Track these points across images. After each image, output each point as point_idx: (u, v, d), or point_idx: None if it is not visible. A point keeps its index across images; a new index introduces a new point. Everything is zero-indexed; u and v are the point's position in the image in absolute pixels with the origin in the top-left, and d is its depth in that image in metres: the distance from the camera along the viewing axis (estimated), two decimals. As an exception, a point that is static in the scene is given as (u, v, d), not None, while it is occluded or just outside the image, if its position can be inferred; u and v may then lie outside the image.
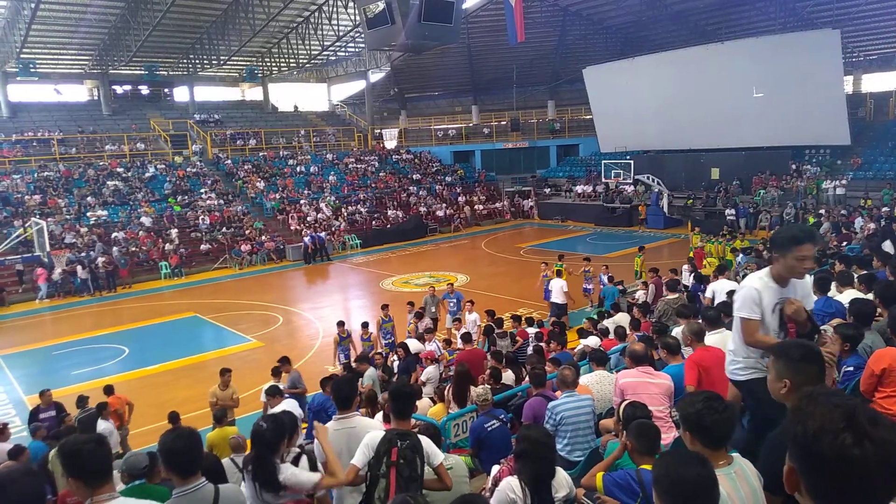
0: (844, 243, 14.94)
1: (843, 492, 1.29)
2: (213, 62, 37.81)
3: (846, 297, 6.10)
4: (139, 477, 4.41)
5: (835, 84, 26.34)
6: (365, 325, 12.90)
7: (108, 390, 9.58)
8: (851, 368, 4.50)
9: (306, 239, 26.73)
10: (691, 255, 18.08)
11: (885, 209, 21.40)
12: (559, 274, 15.19)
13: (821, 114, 26.57)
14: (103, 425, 8.77)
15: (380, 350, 12.30)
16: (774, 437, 2.76)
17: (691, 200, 30.11)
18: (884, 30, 31.07)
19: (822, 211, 23.41)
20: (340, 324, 12.78)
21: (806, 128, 27.34)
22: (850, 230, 17.19)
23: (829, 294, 6.67)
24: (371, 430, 4.08)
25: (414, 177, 37.62)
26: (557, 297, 14.42)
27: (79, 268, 22.30)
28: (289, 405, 7.39)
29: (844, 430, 1.28)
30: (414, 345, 11.37)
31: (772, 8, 30.94)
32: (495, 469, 3.93)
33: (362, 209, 32.25)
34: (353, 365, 10.39)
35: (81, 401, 9.18)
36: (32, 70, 32.09)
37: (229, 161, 34.09)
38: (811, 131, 27.55)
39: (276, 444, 3.60)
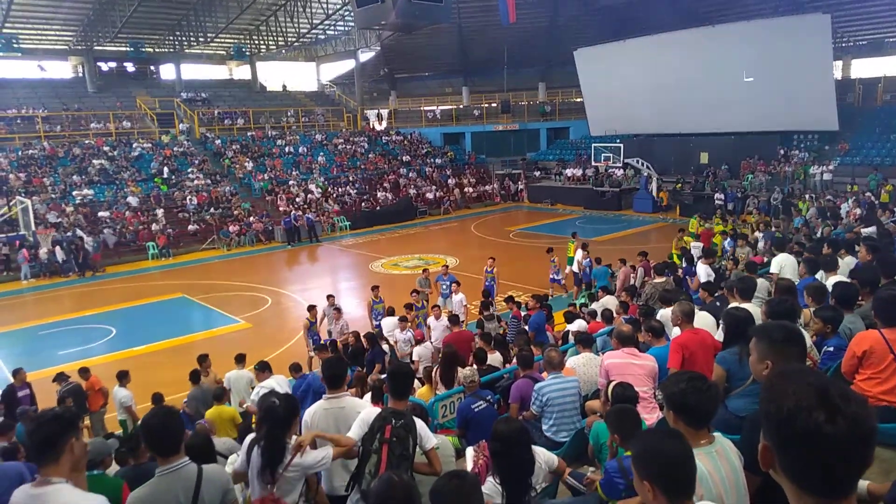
0: (820, 232, 15.06)
1: (816, 468, 1.31)
2: (201, 39, 37.27)
3: (832, 282, 6.20)
4: (97, 467, 4.23)
5: (824, 69, 26.38)
6: (311, 308, 12.49)
7: (84, 373, 9.54)
8: (832, 349, 4.59)
9: (286, 219, 26.65)
10: (687, 239, 17.96)
11: (867, 194, 21.57)
12: (584, 247, 16.32)
13: (810, 99, 26.63)
14: (123, 393, 9.09)
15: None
16: (754, 417, 2.81)
17: (680, 185, 30.21)
18: (874, 15, 31.09)
19: (807, 196, 23.59)
20: (311, 308, 12.51)
21: (795, 113, 27.42)
22: (827, 221, 17.31)
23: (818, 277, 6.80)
24: (360, 409, 4.13)
25: (404, 158, 37.45)
26: (577, 268, 15.98)
27: (57, 248, 22.11)
28: (282, 380, 7.44)
29: (817, 408, 1.29)
30: (392, 321, 11.40)
31: (764, -9, 30.91)
32: (470, 453, 3.94)
33: (351, 190, 32.10)
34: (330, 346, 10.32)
35: (61, 377, 9.19)
36: (15, 46, 31.51)
37: (217, 141, 33.75)
38: (800, 116, 27.63)
39: (289, 420, 3.59)
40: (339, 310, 12.42)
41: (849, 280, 5.91)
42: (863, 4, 30.22)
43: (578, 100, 38.42)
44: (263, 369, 8.15)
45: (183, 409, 8.10)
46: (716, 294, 8.10)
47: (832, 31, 25.83)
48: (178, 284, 19.88)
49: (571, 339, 7.89)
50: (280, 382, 7.44)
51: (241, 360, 9.11)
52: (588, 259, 15.74)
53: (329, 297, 13.00)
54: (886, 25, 31.97)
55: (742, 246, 13.75)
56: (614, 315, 9.01)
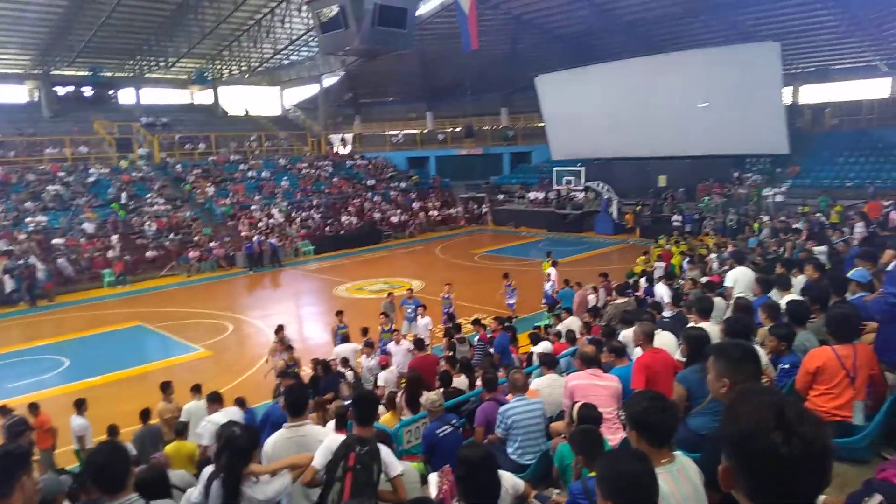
0: (783, 248, 15.52)
1: (774, 488, 1.33)
2: (161, 64, 36.86)
3: (786, 300, 6.35)
4: None
5: (775, 95, 27.38)
6: (277, 331, 12.24)
7: (33, 409, 9.05)
8: (788, 366, 4.69)
9: (247, 245, 26.32)
10: (651, 262, 18.29)
11: (818, 215, 22.29)
12: (554, 265, 16.75)
13: (761, 124, 27.56)
14: (78, 422, 8.76)
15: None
16: (715, 436, 2.84)
17: (640, 207, 30.82)
18: (820, 43, 32.43)
19: (762, 217, 24.28)
20: (278, 331, 12.20)
21: (747, 137, 28.31)
22: (788, 235, 17.84)
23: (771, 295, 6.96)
24: (322, 437, 4.05)
25: (368, 182, 37.44)
26: (556, 284, 15.91)
27: (6, 277, 21.33)
28: (232, 413, 7.19)
29: (774, 429, 1.31)
30: (346, 348, 11.27)
31: (715, 21, 31.96)
32: (433, 479, 3.89)
33: (315, 215, 31.89)
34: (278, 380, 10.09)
35: (3, 410, 8.77)
36: (-33, 70, 30.68)
37: (178, 166, 33.22)
38: (752, 140, 28.54)
39: (249, 452, 3.50)
40: (281, 341, 11.71)
41: (801, 298, 6.07)
42: (809, 34, 31.50)
43: (540, 125, 39.05)
44: (214, 401, 7.75)
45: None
46: (663, 313, 8.29)
47: (782, 59, 26.86)
48: (136, 312, 19.32)
49: (536, 360, 7.91)
50: (230, 415, 7.07)
51: (198, 390, 8.84)
52: (552, 282, 15.89)
53: (277, 331, 12.26)
54: (832, 54, 33.39)
55: (692, 269, 14.08)
56: (577, 336, 9.08)
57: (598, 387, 5.21)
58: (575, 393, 5.18)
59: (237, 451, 3.41)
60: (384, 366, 9.84)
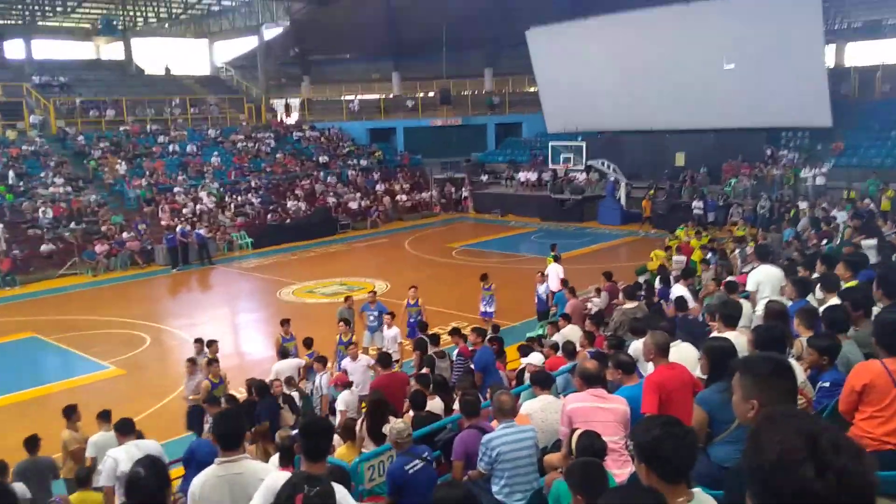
0: (825, 241, 15.71)
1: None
2: (58, 9, 36.23)
3: (831, 304, 6.41)
4: None
5: (815, 55, 27.66)
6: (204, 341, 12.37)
7: None
8: (828, 384, 4.72)
9: (169, 237, 26.12)
10: (668, 255, 18.43)
11: (866, 201, 22.54)
12: (556, 259, 16.80)
13: (799, 90, 27.83)
14: None
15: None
16: (738, 469, 2.89)
17: (653, 191, 31.01)
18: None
19: (800, 203, 24.48)
20: (210, 343, 12.18)
21: (782, 106, 28.58)
22: (830, 226, 18.09)
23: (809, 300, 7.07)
24: (263, 475, 4.04)
25: (320, 159, 37.30)
26: (553, 285, 15.76)
27: None
28: (150, 447, 7.09)
29: (806, 461, 1.33)
30: (288, 364, 11.24)
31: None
32: None
33: (254, 199, 31.70)
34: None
35: None
36: None
37: (80, 137, 32.75)
38: (788, 110, 28.84)
39: (159, 494, 3.46)
40: (193, 361, 11.53)
41: (841, 302, 6.13)
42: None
43: (532, 90, 39.19)
44: (123, 431, 7.39)
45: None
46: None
47: (823, 11, 27.09)
48: (28, 321, 19.06)
49: (527, 377, 7.94)
50: (143, 449, 6.76)
51: (107, 417, 8.70)
52: (545, 283, 15.96)
53: (207, 345, 12.21)
54: (884, 4, 33.55)
55: (706, 270, 14.20)
56: (577, 349, 9.13)
57: (602, 410, 5.26)
58: (574, 418, 5.22)
59: (146, 494, 3.37)
60: (345, 385, 9.78)
